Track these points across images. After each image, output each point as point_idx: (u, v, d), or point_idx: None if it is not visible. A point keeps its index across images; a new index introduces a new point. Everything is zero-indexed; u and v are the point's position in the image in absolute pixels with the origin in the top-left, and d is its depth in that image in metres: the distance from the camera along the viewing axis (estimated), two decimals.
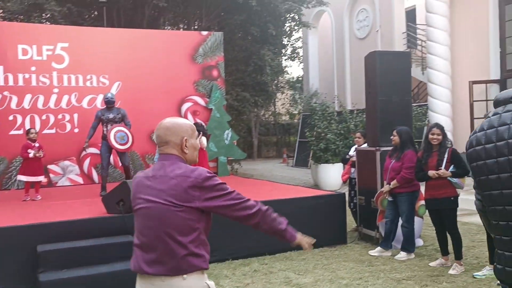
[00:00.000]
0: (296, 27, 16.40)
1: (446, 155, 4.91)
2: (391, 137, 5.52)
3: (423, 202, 5.52)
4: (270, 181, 9.96)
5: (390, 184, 5.50)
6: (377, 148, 6.04)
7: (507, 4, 12.11)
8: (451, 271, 4.87)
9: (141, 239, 2.12)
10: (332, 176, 11.68)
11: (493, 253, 4.55)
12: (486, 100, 12.32)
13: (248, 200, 2.16)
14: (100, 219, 5.29)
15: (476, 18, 12.59)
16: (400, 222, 5.60)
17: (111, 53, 9.82)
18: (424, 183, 5.13)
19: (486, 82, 12.34)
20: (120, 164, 8.09)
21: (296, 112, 20.21)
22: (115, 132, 7.47)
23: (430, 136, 5.01)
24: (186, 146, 2.16)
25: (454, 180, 4.89)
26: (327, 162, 11.78)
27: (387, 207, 5.70)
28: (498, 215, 1.97)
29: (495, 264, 2.06)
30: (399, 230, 5.65)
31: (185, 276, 2.04)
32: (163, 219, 2.05)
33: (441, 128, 5.04)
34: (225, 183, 2.11)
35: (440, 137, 4.99)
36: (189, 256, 2.04)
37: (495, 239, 2.06)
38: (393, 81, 6.03)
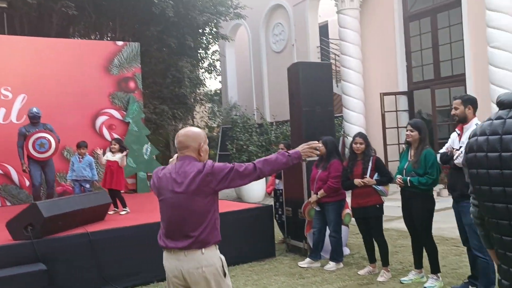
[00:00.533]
0: (213, 40, 16.30)
1: (370, 164, 5.00)
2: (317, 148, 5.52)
3: (348, 210, 5.58)
4: None
5: (317, 194, 5.50)
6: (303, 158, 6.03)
7: (411, 21, 12.98)
8: (379, 278, 4.93)
9: (167, 221, 2.68)
10: (255, 188, 11.62)
11: (420, 258, 4.76)
12: (396, 111, 13.06)
13: (247, 166, 2.66)
14: (5, 247, 4.69)
15: (384, 33, 13.35)
16: (328, 232, 5.61)
17: (13, 63, 9.01)
18: (350, 192, 5.18)
19: (395, 94, 13.08)
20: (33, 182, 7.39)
21: (215, 125, 20.03)
22: (34, 139, 6.81)
23: (354, 145, 5.09)
24: (201, 150, 2.71)
25: (379, 187, 4.98)
26: None
27: (315, 217, 5.70)
28: (502, 229, 1.86)
29: (500, 279, 1.94)
30: (327, 239, 5.66)
31: (203, 250, 2.60)
32: (186, 205, 2.60)
33: (363, 137, 5.14)
34: (226, 164, 2.67)
35: (363, 145, 5.06)
36: (205, 233, 2.61)
37: (497, 253, 1.95)
38: (316, 92, 6.08)
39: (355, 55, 13.18)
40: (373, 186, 4.97)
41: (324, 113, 6.13)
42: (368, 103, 13.30)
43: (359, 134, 5.19)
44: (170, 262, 2.66)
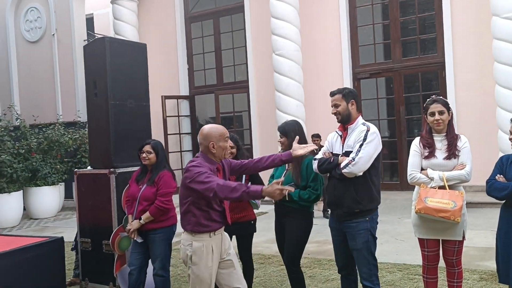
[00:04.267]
0: None
1: None
2: (143, 155, 4.05)
3: (125, 233, 4.23)
4: None
5: (140, 219, 4.00)
6: (111, 169, 4.42)
7: (193, 22, 12.34)
8: None
9: None
10: (11, 208, 8.94)
11: None
12: (178, 116, 12.17)
13: (211, 180, 2.85)
14: None
15: (165, 32, 12.35)
16: (151, 269, 4.14)
17: None
18: None
19: (177, 97, 12.19)
20: None
21: None
22: None
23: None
24: (213, 148, 3.04)
25: (254, 200, 3.95)
26: (1, 191, 8.91)
27: (133, 250, 4.15)
28: None
29: None
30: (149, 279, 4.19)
31: (183, 232, 3.10)
32: (181, 193, 3.09)
33: (235, 139, 4.08)
34: (202, 169, 2.93)
35: (234, 150, 4.03)
36: (183, 219, 3.08)
37: None
38: (129, 81, 4.56)
39: None
40: None
41: (139, 109, 4.67)
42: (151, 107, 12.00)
43: (230, 137, 4.06)
44: None
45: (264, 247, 6.04)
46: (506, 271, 3.07)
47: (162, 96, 11.69)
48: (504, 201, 3.16)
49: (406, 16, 10.00)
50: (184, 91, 12.35)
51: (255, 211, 4.17)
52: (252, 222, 4.07)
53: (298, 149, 3.17)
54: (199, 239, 3.00)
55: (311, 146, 3.24)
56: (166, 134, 11.72)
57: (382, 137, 11.55)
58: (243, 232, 4.05)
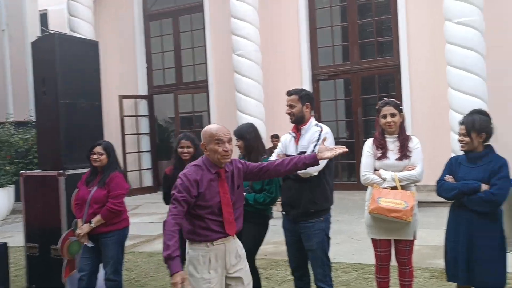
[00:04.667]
0: None
1: None
2: (94, 156, 3.91)
3: (75, 238, 4.10)
4: None
5: (91, 223, 3.85)
6: (61, 171, 4.24)
7: (152, 20, 12.12)
8: None
9: None
10: None
11: None
12: (136, 116, 11.92)
13: (170, 210, 2.67)
14: None
15: (123, 31, 12.07)
16: (103, 273, 4.01)
17: None
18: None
19: (135, 97, 11.93)
20: None
21: None
22: None
23: (179, 149, 4.00)
24: (206, 150, 2.78)
25: None
26: None
27: (83, 255, 4.00)
28: None
29: None
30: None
31: None
32: None
33: (191, 139, 4.01)
34: (180, 181, 2.70)
35: (191, 149, 3.98)
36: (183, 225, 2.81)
37: None
38: (80, 79, 4.39)
39: None
40: None
41: (91, 109, 4.51)
42: (106, 106, 11.66)
43: (185, 136, 4.06)
44: None
45: None
46: (454, 269, 3.14)
47: (119, 96, 11.42)
48: (453, 201, 3.23)
49: (364, 18, 10.18)
50: (143, 90, 12.11)
51: None
52: None
53: (325, 152, 2.82)
54: (196, 247, 2.76)
55: (340, 149, 2.84)
56: (123, 134, 11.45)
57: (340, 138, 11.66)
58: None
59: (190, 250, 2.78)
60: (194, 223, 2.74)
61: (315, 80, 10.26)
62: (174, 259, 2.51)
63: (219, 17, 10.78)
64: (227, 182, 2.78)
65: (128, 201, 4.09)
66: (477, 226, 3.04)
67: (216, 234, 2.74)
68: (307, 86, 9.92)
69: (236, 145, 3.70)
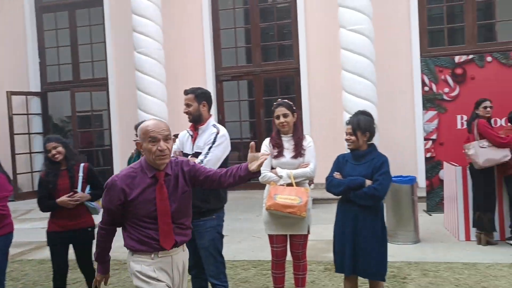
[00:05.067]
0: None
1: (81, 173, 3.76)
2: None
3: None
4: None
5: None
6: None
7: (45, 12, 11.36)
8: None
9: None
10: None
11: None
12: (28, 114, 11.08)
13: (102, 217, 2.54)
14: None
15: (12, 23, 11.16)
16: None
17: None
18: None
19: (26, 94, 11.09)
20: None
21: None
22: None
23: (49, 155, 3.72)
24: (142, 149, 2.49)
25: (93, 204, 3.79)
26: None
27: None
28: None
29: None
30: None
31: None
32: None
33: (56, 139, 3.78)
34: (105, 187, 2.48)
35: (60, 148, 3.73)
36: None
37: None
38: None
39: None
40: (86, 202, 3.76)
41: None
42: None
43: (48, 139, 3.79)
44: None
45: (121, 252, 5.77)
46: (341, 260, 3.34)
47: (7, 92, 10.55)
48: (340, 197, 3.43)
49: (266, 22, 10.44)
50: (35, 87, 11.29)
51: (94, 216, 3.89)
52: (90, 229, 3.81)
53: (253, 163, 2.47)
54: (138, 259, 2.47)
55: (263, 157, 2.48)
56: (12, 134, 10.61)
57: (244, 139, 11.80)
58: (80, 240, 3.80)
59: (132, 263, 2.49)
60: (132, 229, 2.48)
61: (218, 80, 10.32)
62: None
63: (119, 13, 10.41)
64: (168, 187, 2.48)
65: (19, 205, 3.81)
66: (361, 219, 3.26)
67: (158, 244, 2.47)
68: (210, 86, 9.94)
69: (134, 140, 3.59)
